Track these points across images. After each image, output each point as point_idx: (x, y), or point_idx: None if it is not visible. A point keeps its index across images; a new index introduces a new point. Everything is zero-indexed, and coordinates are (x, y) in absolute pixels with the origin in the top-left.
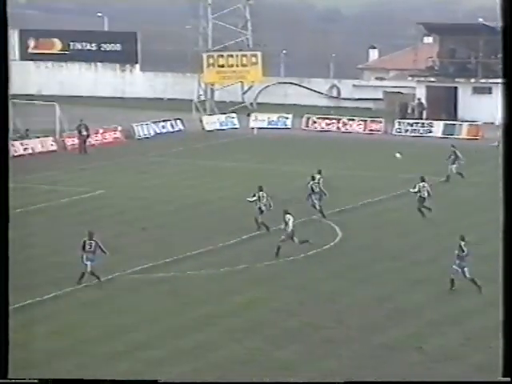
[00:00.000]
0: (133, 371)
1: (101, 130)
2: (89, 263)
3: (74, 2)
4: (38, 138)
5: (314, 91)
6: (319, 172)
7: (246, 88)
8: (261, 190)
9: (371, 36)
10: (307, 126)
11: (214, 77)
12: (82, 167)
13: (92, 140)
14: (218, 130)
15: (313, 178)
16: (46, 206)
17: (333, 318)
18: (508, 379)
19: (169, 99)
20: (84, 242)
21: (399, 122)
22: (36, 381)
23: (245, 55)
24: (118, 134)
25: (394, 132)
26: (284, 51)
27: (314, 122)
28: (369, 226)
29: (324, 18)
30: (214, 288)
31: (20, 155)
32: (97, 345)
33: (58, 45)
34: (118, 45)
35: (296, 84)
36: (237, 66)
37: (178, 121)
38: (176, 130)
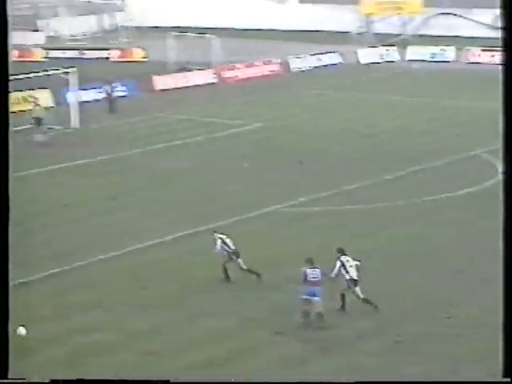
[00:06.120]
0: None
1: (257, 63)
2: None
3: None
4: (199, 70)
5: (478, 22)
6: None
7: (404, 19)
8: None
9: None
10: (469, 59)
11: (373, 8)
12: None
13: (248, 73)
14: (374, 63)
15: None
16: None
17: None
18: (508, 379)
19: (322, 31)
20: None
21: None
22: (35, 381)
23: None
24: (274, 67)
25: None
26: None
27: (478, 55)
28: None
29: None
30: (369, 222)
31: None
32: None
33: None
34: None
35: (457, 15)
36: None
37: (334, 54)
38: (334, 63)
